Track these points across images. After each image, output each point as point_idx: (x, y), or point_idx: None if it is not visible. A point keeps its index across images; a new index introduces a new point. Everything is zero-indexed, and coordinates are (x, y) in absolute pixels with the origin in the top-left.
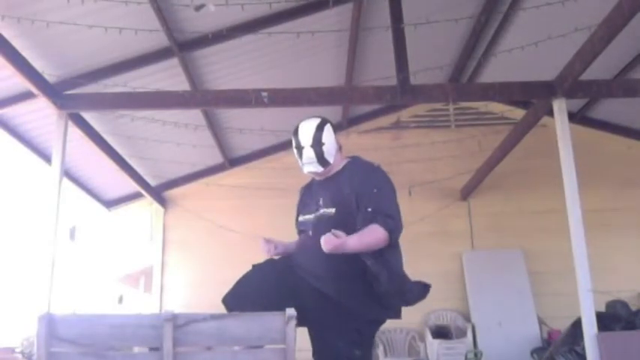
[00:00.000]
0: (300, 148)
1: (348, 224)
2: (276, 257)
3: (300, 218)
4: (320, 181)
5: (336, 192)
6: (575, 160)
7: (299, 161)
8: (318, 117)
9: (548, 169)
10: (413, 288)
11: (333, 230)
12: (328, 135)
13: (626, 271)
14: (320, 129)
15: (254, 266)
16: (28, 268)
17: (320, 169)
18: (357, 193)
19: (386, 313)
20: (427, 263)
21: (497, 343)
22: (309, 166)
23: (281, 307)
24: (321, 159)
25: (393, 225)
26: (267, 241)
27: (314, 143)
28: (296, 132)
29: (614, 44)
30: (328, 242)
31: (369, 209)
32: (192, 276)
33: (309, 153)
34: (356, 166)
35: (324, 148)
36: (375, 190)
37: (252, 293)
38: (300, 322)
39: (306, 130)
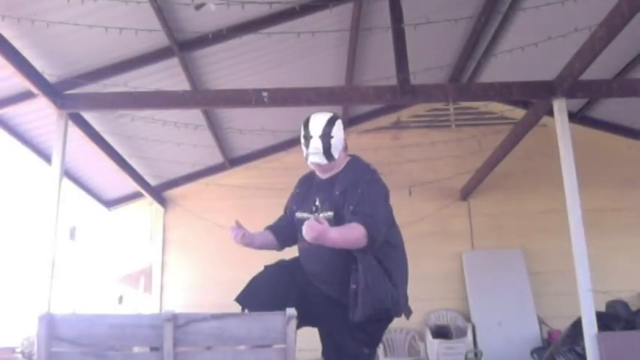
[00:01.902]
0: (308, 138)
1: None
2: (244, 244)
3: (298, 215)
4: (320, 180)
5: (333, 195)
6: (575, 160)
7: (304, 151)
8: (330, 112)
9: (548, 169)
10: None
11: (315, 215)
12: (338, 130)
13: (626, 271)
14: (331, 123)
15: (266, 267)
16: (28, 268)
17: (325, 161)
18: (344, 195)
19: (394, 311)
20: (427, 263)
21: (497, 343)
22: (315, 156)
23: (292, 307)
24: (327, 151)
25: (372, 224)
26: (238, 226)
27: (323, 135)
28: (306, 123)
29: (614, 44)
30: (312, 228)
31: (351, 208)
32: (192, 276)
33: (316, 143)
34: (352, 168)
35: (332, 141)
36: (359, 191)
37: (265, 293)
38: (311, 322)
39: (318, 121)
